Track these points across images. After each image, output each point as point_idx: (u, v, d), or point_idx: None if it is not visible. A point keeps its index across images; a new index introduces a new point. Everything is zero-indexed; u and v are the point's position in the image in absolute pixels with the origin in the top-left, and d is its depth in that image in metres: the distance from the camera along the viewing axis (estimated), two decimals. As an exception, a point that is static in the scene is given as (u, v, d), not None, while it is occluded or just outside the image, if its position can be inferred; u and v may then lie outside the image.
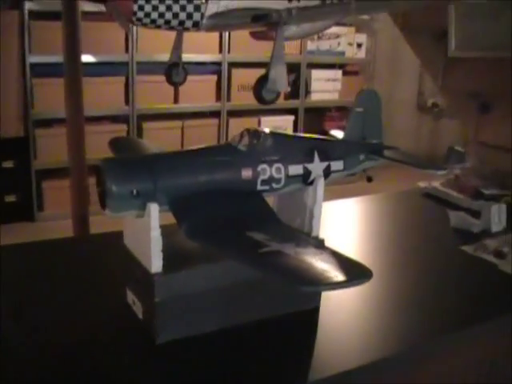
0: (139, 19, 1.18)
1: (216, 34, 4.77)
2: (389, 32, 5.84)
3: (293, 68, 5.19)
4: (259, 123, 5.14)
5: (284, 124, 5.36)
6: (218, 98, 5.00)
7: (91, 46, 3.84)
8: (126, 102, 4.59)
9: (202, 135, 4.89)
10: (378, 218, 1.99)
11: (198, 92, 4.71)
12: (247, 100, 5.12)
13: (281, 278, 0.90)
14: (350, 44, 5.54)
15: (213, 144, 1.27)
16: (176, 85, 1.53)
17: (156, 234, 1.08)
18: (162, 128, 4.73)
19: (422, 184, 2.20)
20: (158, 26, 1.22)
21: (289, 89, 1.32)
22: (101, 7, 1.25)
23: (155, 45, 4.49)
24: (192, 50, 3.85)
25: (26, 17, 4.03)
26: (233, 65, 4.98)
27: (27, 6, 4.01)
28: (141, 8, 1.18)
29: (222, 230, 1.05)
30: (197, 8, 1.21)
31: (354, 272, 0.89)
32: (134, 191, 1.07)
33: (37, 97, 4.20)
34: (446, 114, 6.15)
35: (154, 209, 1.07)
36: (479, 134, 2.23)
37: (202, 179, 1.14)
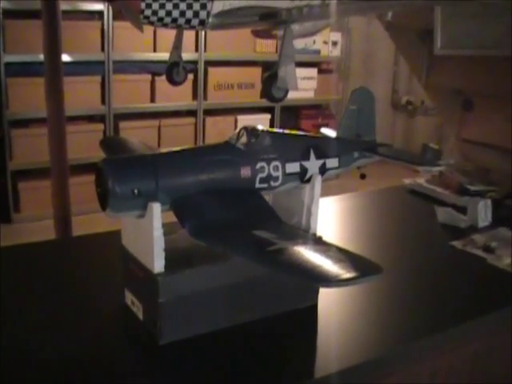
0: (146, 17, 1.17)
1: (192, 33, 4.75)
2: (363, 30, 5.89)
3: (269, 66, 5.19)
4: (236, 122, 5.13)
5: (260, 122, 5.31)
6: (195, 96, 4.98)
7: (67, 44, 3.77)
8: (103, 101, 4.55)
9: (178, 134, 4.87)
10: (366, 215, 2.00)
11: (175, 91, 4.64)
12: (223, 99, 5.11)
13: (293, 276, 0.90)
14: (325, 42, 5.56)
15: (208, 143, 1.27)
16: (177, 84, 1.52)
17: (158, 234, 1.08)
18: (139, 127, 4.69)
19: (406, 181, 2.22)
20: (165, 25, 1.20)
21: (298, 88, 1.31)
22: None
23: (131, 43, 4.46)
24: (168, 49, 3.84)
25: (1, 16, 3.96)
26: (209, 63, 4.97)
27: (2, 4, 3.94)
28: (148, 6, 1.17)
29: (227, 228, 1.05)
30: (203, 6, 1.20)
31: (365, 268, 0.90)
32: (136, 191, 1.06)
33: (12, 97, 4.14)
34: (419, 111, 6.22)
35: (156, 208, 1.07)
36: (462, 131, 2.26)
37: (202, 178, 1.13)
